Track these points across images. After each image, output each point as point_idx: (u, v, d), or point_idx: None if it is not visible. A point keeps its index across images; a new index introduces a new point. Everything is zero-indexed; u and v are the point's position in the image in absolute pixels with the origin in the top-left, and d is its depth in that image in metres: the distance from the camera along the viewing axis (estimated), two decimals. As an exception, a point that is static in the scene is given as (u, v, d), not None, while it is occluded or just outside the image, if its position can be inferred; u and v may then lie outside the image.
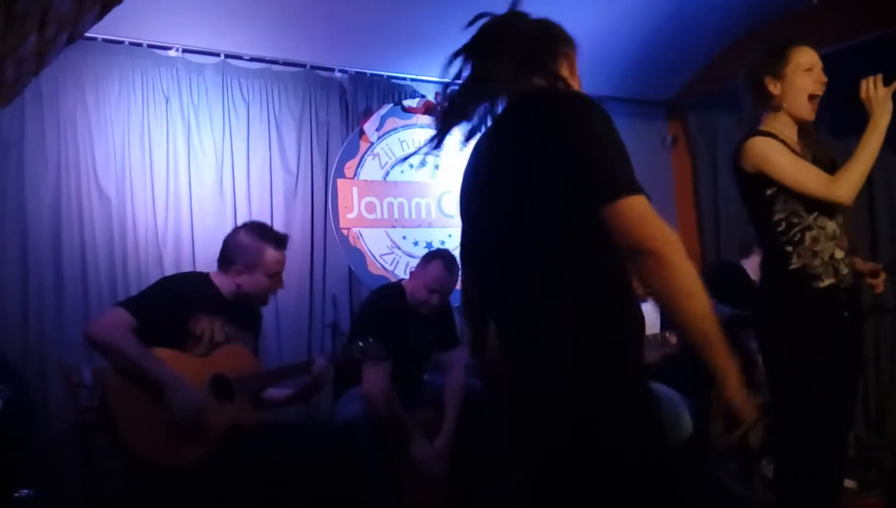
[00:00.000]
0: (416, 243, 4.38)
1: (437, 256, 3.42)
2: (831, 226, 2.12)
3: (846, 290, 2.11)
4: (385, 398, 3.04)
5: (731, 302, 3.45)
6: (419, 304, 3.34)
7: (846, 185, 2.07)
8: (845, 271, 2.11)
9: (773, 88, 2.19)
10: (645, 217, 1.27)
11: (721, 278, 3.95)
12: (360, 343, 2.94)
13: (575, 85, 1.53)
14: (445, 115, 1.47)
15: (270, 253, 2.71)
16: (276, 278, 2.76)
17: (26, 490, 2.71)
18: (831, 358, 2.08)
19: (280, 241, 2.77)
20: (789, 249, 2.12)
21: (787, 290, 2.14)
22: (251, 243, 2.73)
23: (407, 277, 3.55)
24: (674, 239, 1.27)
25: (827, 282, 2.08)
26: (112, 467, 2.71)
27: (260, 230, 2.78)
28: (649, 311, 3.59)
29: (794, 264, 2.10)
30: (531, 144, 1.36)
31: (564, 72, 1.52)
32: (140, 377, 2.39)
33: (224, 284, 2.73)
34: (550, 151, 1.33)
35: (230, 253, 2.74)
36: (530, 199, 1.36)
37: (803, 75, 2.18)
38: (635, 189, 1.29)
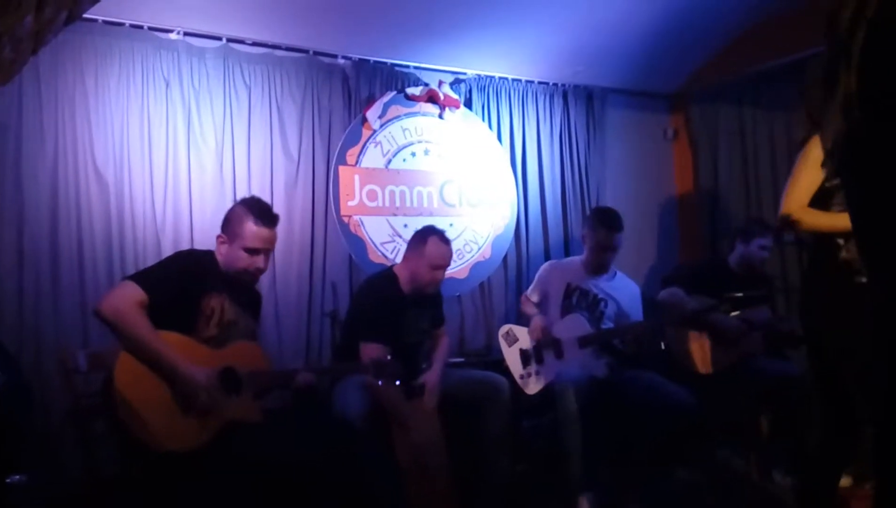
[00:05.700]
0: (417, 232, 4.35)
1: (430, 232, 3.37)
2: None
3: None
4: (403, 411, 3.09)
5: (711, 294, 3.60)
6: (424, 285, 3.29)
7: None
8: None
9: None
10: None
11: (707, 272, 3.96)
12: (376, 361, 2.95)
13: None
14: None
15: (249, 226, 2.66)
16: (254, 254, 2.67)
17: (17, 476, 2.69)
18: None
19: (265, 217, 2.70)
20: (840, 240, 2.14)
21: (831, 280, 2.17)
22: (237, 213, 2.72)
23: None
24: None
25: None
26: (108, 452, 2.70)
27: (250, 203, 2.75)
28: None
29: (844, 255, 2.12)
30: None
31: None
32: (147, 359, 2.36)
33: (219, 257, 2.72)
34: None
35: (223, 222, 2.76)
36: None
37: None
38: None
